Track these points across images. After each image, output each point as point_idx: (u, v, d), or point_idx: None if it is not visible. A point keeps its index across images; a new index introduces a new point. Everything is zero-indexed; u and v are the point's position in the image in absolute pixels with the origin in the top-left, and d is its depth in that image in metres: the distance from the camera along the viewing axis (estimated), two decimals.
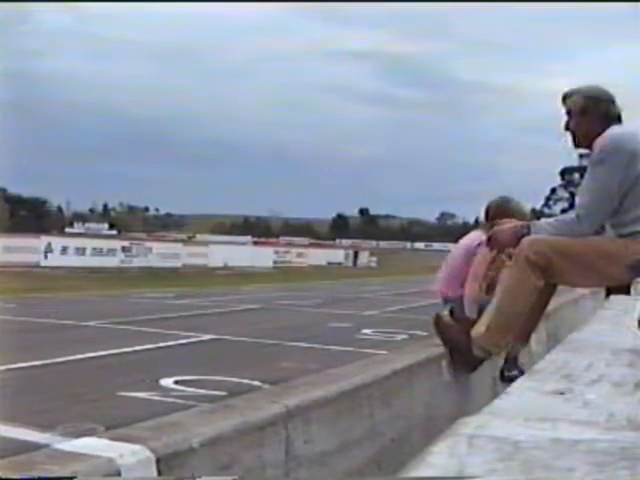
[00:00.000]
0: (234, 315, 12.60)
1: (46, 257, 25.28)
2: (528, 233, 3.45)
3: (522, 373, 3.67)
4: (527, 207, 5.17)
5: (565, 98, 3.55)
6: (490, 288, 4.01)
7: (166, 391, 5.45)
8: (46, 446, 2.15)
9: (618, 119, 3.48)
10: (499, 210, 4.25)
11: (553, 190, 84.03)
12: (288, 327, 10.78)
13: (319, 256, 43.79)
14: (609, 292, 7.96)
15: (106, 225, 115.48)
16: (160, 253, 30.75)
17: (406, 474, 1.28)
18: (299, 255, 42.03)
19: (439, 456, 1.30)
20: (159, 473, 1.88)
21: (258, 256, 37.10)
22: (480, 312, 3.84)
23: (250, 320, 11.79)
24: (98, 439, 1.96)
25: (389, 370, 3.32)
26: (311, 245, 71.04)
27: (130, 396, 5.32)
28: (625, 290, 7.63)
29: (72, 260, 25.80)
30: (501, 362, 4.33)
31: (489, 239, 3.81)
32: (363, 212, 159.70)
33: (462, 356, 3.94)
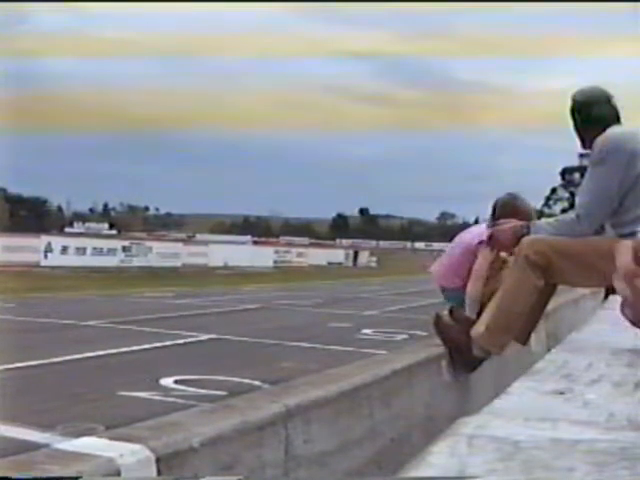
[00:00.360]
0: (234, 315, 12.60)
1: (46, 257, 25.29)
2: (528, 233, 3.45)
3: None
4: (534, 206, 5.16)
5: (571, 99, 3.57)
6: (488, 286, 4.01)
7: (166, 391, 5.45)
8: (46, 446, 2.15)
9: (617, 119, 3.48)
10: (506, 208, 4.24)
11: (553, 190, 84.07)
12: (288, 327, 10.78)
13: (319, 256, 43.80)
14: (609, 292, 7.97)
15: (106, 225, 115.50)
16: (160, 253, 30.77)
17: (406, 474, 1.28)
18: (299, 255, 42.03)
19: (439, 456, 1.30)
20: (159, 473, 1.88)
21: (258, 256, 37.11)
22: (480, 312, 3.85)
23: (250, 320, 11.80)
24: (98, 439, 1.96)
25: (389, 370, 3.32)
26: (311, 245, 71.04)
27: (130, 396, 5.32)
28: None
29: (72, 260, 25.81)
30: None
31: (489, 239, 3.81)
32: (363, 212, 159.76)
33: (462, 356, 3.94)
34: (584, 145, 3.55)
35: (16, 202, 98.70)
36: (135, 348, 7.93)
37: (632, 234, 3.29)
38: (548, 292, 3.50)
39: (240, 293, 17.50)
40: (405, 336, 9.58)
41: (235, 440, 2.17)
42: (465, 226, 5.59)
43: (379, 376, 3.19)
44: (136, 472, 1.81)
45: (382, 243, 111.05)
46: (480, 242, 4.11)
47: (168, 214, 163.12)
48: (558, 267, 3.33)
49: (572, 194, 70.30)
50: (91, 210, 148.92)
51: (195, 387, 5.57)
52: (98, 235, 61.10)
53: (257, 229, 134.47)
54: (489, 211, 4.28)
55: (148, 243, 33.57)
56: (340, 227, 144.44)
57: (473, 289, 4.10)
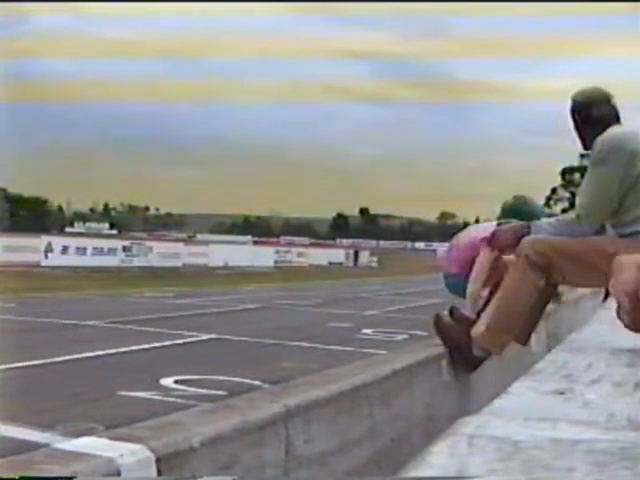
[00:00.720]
0: (234, 315, 12.60)
1: (46, 257, 25.29)
2: (528, 233, 3.45)
3: None
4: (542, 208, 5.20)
5: (571, 100, 3.58)
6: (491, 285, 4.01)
7: (166, 390, 5.45)
8: (46, 445, 2.15)
9: (617, 119, 3.49)
10: (514, 210, 4.26)
11: (553, 190, 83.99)
12: (288, 327, 10.78)
13: (320, 256, 43.79)
14: (609, 292, 7.96)
15: (107, 225, 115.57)
16: (160, 253, 30.76)
17: (406, 474, 1.28)
18: (299, 255, 42.02)
19: (439, 456, 1.30)
20: (159, 473, 1.87)
21: (258, 256, 37.10)
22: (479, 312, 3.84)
23: (250, 320, 11.80)
24: (98, 439, 1.96)
25: (389, 370, 3.32)
26: (311, 245, 71.05)
27: (130, 395, 5.32)
28: None
29: (72, 260, 25.81)
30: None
31: (490, 239, 3.81)
32: (363, 212, 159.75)
33: (462, 356, 3.94)
34: (584, 145, 3.55)
35: (16, 202, 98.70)
36: (135, 348, 7.93)
37: (632, 234, 3.29)
38: (548, 292, 3.50)
39: (240, 293, 17.50)
40: (405, 336, 9.58)
41: (235, 440, 2.17)
42: (465, 226, 5.60)
43: (379, 376, 3.19)
44: (136, 472, 1.81)
45: (382, 243, 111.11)
46: (483, 239, 4.11)
47: (168, 214, 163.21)
48: (558, 267, 3.33)
49: (572, 194, 70.29)
50: (91, 210, 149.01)
51: (195, 387, 5.57)
52: (98, 235, 61.15)
53: (257, 229, 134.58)
54: (489, 211, 4.30)
55: (148, 243, 33.56)
56: (340, 227, 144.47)
57: (473, 289, 4.10)
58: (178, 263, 30.31)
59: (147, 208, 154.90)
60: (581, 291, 9.45)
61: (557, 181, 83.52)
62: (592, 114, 3.46)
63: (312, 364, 6.32)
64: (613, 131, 3.39)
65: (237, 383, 5.75)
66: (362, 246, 78.26)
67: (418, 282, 23.79)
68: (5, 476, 1.59)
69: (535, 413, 1.75)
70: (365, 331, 10.19)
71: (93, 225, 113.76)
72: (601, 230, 3.45)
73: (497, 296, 3.57)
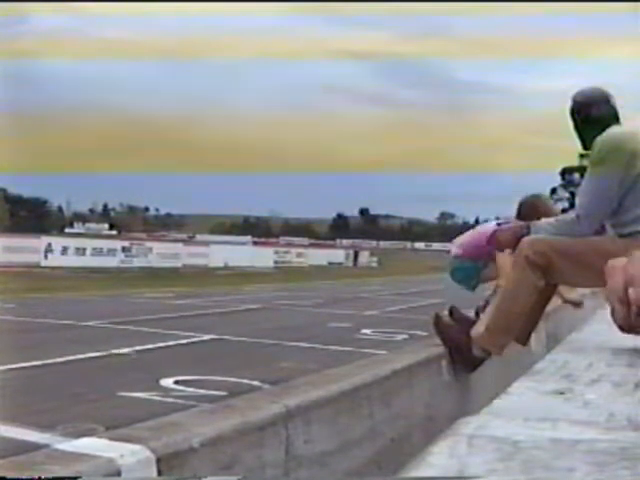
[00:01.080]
0: (234, 315, 12.59)
1: (46, 257, 25.29)
2: (528, 233, 3.45)
3: None
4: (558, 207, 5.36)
5: (571, 100, 3.58)
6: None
7: (166, 391, 5.45)
8: (46, 446, 2.15)
9: (617, 119, 3.49)
10: (531, 209, 4.28)
11: (553, 190, 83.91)
12: (288, 327, 10.78)
13: (319, 256, 43.80)
14: None
15: (106, 225, 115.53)
16: (160, 253, 30.77)
17: (406, 474, 1.28)
18: (299, 255, 42.04)
19: (439, 456, 1.30)
20: (159, 473, 1.87)
21: (258, 256, 37.11)
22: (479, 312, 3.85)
23: (250, 320, 11.79)
24: (98, 439, 1.96)
25: (389, 370, 3.32)
26: (311, 245, 71.04)
27: (130, 396, 5.32)
28: None
29: (72, 260, 25.82)
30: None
31: (489, 239, 3.81)
32: (363, 212, 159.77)
33: (462, 356, 3.94)
34: (584, 145, 3.55)
35: (16, 202, 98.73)
36: (135, 348, 7.92)
37: (632, 234, 3.29)
38: (548, 292, 3.50)
39: (240, 293, 17.50)
40: (405, 336, 9.57)
41: (235, 440, 2.17)
42: (465, 226, 5.63)
43: (379, 376, 3.19)
44: (136, 472, 1.81)
45: (382, 243, 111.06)
46: (495, 231, 4.13)
47: (168, 214, 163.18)
48: (558, 267, 3.33)
49: (572, 194, 70.24)
50: (91, 210, 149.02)
51: (195, 387, 5.56)
52: (98, 235, 61.13)
53: (257, 229, 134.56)
54: (489, 211, 4.35)
55: (148, 243, 33.57)
56: (340, 227, 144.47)
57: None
58: (178, 263, 30.31)
59: (147, 208, 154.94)
60: (581, 291, 9.44)
61: (557, 181, 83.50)
62: (592, 114, 3.47)
63: (311, 364, 6.32)
64: (613, 131, 3.39)
65: (237, 383, 5.75)
66: (362, 246, 78.28)
67: (418, 282, 23.78)
68: (5, 476, 1.59)
69: (535, 413, 1.75)
70: (365, 331, 10.18)
71: (93, 226, 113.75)
72: (601, 230, 3.45)
73: (497, 296, 3.57)
